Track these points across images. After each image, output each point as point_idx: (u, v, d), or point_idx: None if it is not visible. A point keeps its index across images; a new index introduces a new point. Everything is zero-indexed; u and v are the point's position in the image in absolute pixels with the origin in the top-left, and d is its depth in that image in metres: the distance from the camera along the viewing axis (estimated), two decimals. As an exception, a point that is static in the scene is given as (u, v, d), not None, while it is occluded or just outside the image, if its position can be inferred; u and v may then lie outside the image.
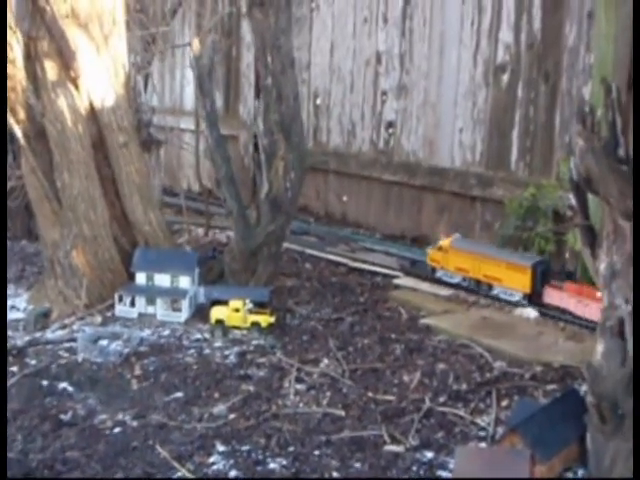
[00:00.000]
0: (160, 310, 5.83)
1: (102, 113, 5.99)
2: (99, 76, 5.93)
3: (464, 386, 4.85)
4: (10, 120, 5.78)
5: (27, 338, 5.56)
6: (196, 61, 5.82)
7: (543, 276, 5.81)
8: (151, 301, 5.85)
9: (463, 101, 7.29)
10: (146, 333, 5.64)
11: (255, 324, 5.61)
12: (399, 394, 4.78)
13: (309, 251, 7.46)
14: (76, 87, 5.85)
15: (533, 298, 5.80)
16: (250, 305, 5.64)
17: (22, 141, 5.86)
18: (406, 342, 5.51)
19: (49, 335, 5.61)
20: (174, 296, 5.86)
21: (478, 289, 6.05)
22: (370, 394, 4.79)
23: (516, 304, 5.83)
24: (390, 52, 7.89)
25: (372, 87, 8.13)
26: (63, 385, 4.95)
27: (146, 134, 6.48)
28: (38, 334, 5.62)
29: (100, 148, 6.07)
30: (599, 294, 5.29)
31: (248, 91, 9.37)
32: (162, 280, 5.92)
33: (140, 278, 5.95)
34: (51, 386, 4.94)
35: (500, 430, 4.32)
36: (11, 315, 6.02)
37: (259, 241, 6.03)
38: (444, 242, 6.34)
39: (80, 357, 5.22)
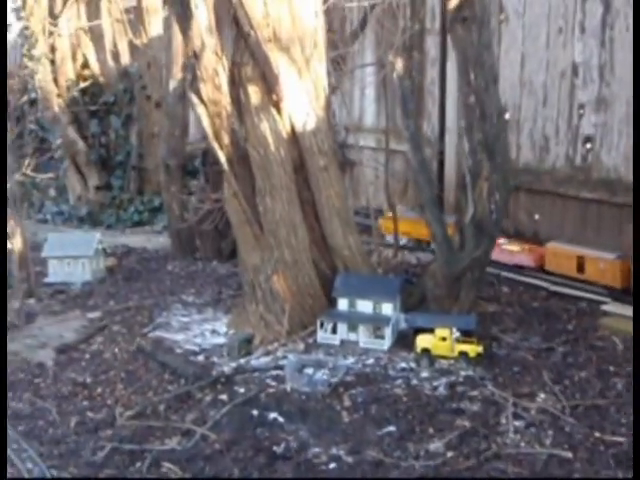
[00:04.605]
0: (362, 337, 5.69)
1: (303, 137, 5.91)
2: (300, 99, 5.85)
3: (703, 428, 4.46)
4: (214, 145, 5.79)
5: (233, 365, 5.53)
6: (400, 81, 5.65)
7: None
8: (353, 328, 5.72)
9: (672, 113, 6.81)
10: (350, 361, 5.50)
11: (463, 354, 5.38)
12: (629, 435, 4.45)
13: (505, 274, 7.16)
14: (278, 111, 5.80)
15: None
16: (457, 334, 5.42)
17: (225, 166, 5.84)
18: (627, 376, 5.16)
19: (254, 362, 5.56)
20: (377, 323, 5.71)
21: (419, 246, 7.83)
22: (597, 434, 4.49)
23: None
24: (588, 63, 7.48)
25: (567, 100, 7.74)
26: (273, 415, 4.88)
27: (341, 155, 6.38)
28: (243, 360, 5.58)
29: (300, 172, 6.00)
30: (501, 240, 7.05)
31: (432, 107, 9.15)
32: (364, 306, 5.78)
33: (342, 304, 5.84)
34: (261, 416, 4.88)
35: None
36: (213, 340, 6.04)
37: (464, 266, 5.79)
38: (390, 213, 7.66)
39: (288, 386, 5.14)
